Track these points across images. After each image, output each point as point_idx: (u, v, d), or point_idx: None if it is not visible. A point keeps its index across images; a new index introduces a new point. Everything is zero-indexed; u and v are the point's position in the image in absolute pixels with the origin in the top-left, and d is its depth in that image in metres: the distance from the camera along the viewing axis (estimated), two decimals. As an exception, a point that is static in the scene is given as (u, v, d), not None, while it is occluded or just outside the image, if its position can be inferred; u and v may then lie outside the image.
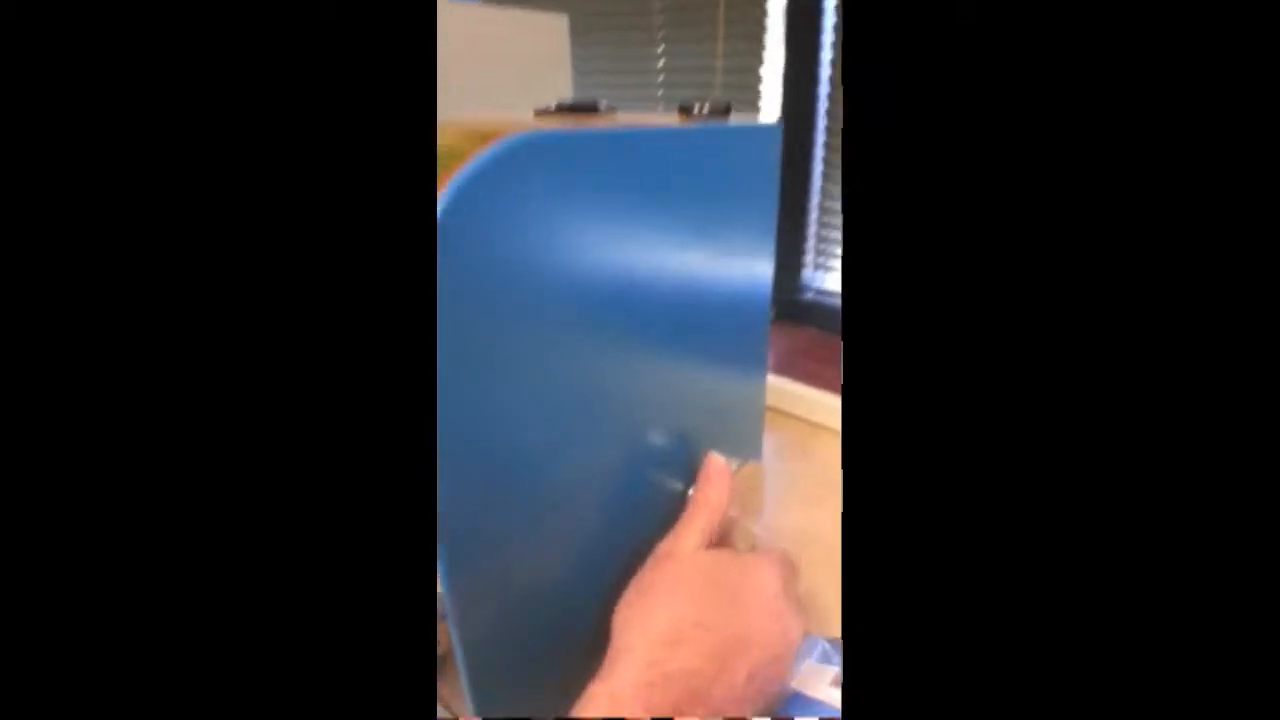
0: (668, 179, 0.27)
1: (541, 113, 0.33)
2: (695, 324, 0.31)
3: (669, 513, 0.31)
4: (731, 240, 0.33)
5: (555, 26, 0.60)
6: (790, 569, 0.29)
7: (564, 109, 0.34)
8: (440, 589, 0.21)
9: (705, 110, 0.33)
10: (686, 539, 0.29)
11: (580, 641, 0.27)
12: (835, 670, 0.33)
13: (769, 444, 0.63)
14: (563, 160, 0.22)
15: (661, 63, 0.91)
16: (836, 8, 0.73)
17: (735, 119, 0.33)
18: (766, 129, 0.34)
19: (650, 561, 0.28)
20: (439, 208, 0.18)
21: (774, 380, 0.68)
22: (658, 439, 0.31)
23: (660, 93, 0.93)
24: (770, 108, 0.83)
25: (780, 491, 0.55)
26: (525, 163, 0.20)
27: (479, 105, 0.50)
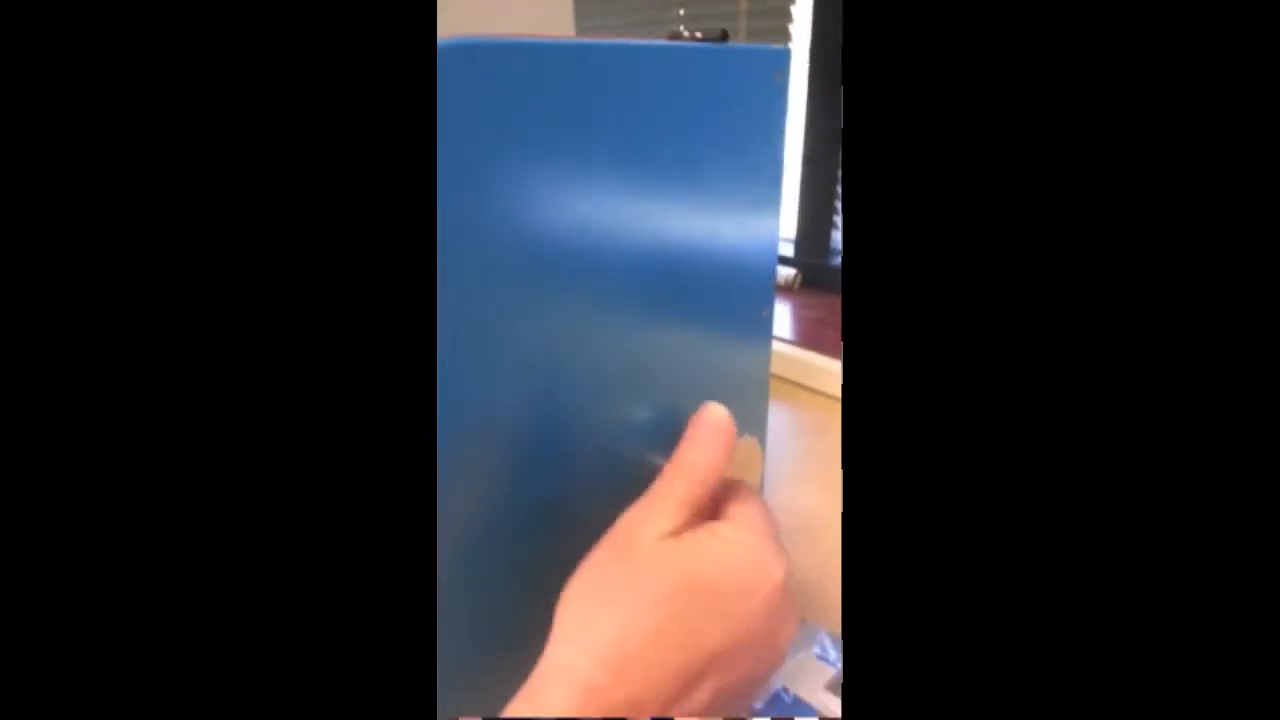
0: (641, 108, 0.23)
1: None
2: (682, 279, 0.28)
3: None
4: (726, 185, 0.29)
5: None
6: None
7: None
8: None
9: (697, 37, 0.29)
10: (654, 518, 0.22)
11: (540, 632, 0.24)
12: (833, 672, 0.30)
13: (786, 420, 0.59)
14: (492, 74, 0.18)
15: (682, 11, 0.85)
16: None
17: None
18: (769, 52, 0.29)
19: (607, 540, 0.22)
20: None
21: (798, 353, 0.64)
22: (637, 411, 0.27)
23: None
24: (801, 51, 0.76)
25: (792, 470, 0.51)
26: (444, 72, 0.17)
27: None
